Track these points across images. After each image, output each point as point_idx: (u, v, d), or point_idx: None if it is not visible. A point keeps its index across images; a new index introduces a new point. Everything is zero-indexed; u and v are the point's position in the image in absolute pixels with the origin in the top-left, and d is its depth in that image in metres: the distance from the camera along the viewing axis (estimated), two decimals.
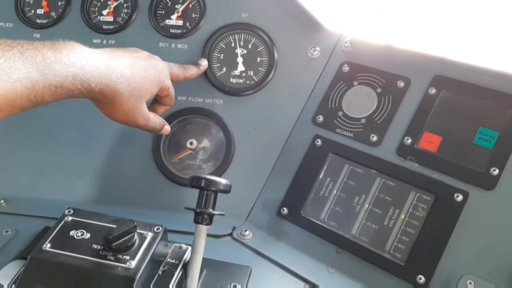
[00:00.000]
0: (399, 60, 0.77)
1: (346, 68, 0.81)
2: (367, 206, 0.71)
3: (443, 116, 0.71)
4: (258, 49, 0.87)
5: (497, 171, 0.65)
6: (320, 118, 0.80)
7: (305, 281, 0.68)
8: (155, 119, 0.73)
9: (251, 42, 0.87)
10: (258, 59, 0.87)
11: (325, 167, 0.76)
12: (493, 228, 0.63)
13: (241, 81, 0.87)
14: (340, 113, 0.79)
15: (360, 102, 0.78)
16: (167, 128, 0.77)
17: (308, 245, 0.73)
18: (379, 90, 0.77)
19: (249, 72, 0.86)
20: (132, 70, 0.64)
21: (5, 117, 0.50)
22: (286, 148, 0.81)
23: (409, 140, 0.72)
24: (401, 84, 0.75)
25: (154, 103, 0.78)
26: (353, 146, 0.76)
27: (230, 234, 0.76)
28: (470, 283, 0.60)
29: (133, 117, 0.67)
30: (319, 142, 0.78)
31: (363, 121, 0.76)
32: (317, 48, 0.84)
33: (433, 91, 0.73)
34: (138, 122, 0.68)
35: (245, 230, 0.76)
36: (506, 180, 0.64)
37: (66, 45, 0.55)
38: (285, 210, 0.76)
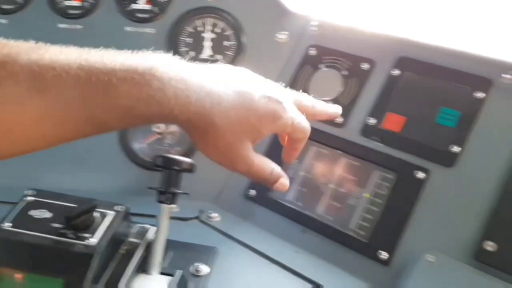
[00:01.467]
0: (364, 42, 0.78)
1: (313, 52, 0.82)
2: (332, 186, 0.72)
3: (406, 97, 0.72)
4: (226, 33, 0.87)
5: (457, 148, 0.66)
6: None
7: (271, 260, 0.68)
8: (263, 166, 0.54)
9: (219, 26, 0.87)
10: (226, 43, 0.87)
11: None
12: (453, 204, 0.64)
13: None
14: None
15: (326, 85, 0.79)
16: (282, 183, 0.56)
17: (275, 226, 0.74)
18: (344, 72, 0.78)
19: (216, 56, 0.86)
20: (236, 98, 0.48)
21: (53, 145, 0.42)
22: None
23: (373, 121, 0.72)
24: (365, 66, 0.76)
25: (285, 150, 0.61)
26: (319, 127, 0.76)
27: (197, 217, 0.76)
28: (431, 258, 0.61)
29: (231, 159, 0.51)
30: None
31: (330, 103, 0.77)
32: (285, 32, 0.84)
33: (396, 72, 0.74)
34: (236, 166, 0.52)
35: (213, 213, 0.76)
36: (466, 157, 0.66)
37: (144, 56, 0.44)
38: (252, 192, 0.77)
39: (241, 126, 0.49)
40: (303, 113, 0.56)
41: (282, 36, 0.84)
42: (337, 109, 0.63)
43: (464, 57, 0.70)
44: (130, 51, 0.45)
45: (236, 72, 0.52)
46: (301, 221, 0.72)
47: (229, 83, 0.49)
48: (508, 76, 0.66)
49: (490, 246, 0.59)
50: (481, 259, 0.60)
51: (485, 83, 0.67)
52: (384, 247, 0.65)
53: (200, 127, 0.47)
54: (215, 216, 0.76)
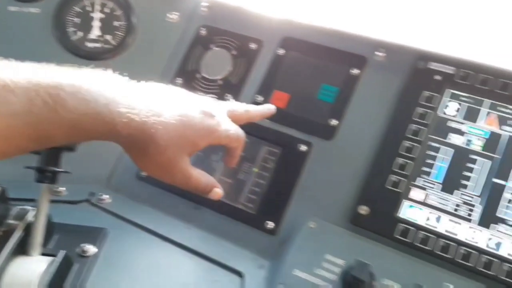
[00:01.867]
0: (252, 23, 0.81)
1: (203, 32, 0.82)
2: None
3: (290, 75, 0.75)
4: (115, 13, 0.85)
5: (335, 122, 0.70)
6: (179, 81, 0.81)
7: (164, 238, 0.69)
8: (200, 179, 0.57)
9: (108, 6, 0.85)
10: (116, 23, 0.85)
11: None
12: (332, 174, 0.68)
13: (98, 45, 0.85)
14: (198, 75, 0.80)
15: (217, 64, 0.80)
16: (216, 192, 0.60)
17: (168, 205, 0.74)
18: (234, 52, 0.80)
19: (106, 36, 0.85)
20: (174, 113, 0.51)
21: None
22: None
23: (261, 98, 0.75)
24: (253, 46, 0.79)
25: (224, 157, 0.66)
26: None
27: (88, 200, 0.75)
28: (313, 224, 0.65)
29: (170, 173, 0.54)
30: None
31: (220, 82, 0.79)
32: (176, 13, 0.85)
33: (281, 51, 0.77)
34: (175, 179, 0.55)
35: (104, 195, 0.75)
36: (343, 129, 0.70)
37: (89, 72, 0.46)
38: (144, 172, 0.76)
39: (180, 142, 0.52)
40: (238, 121, 0.61)
41: (173, 16, 0.84)
42: (269, 107, 0.69)
43: (342, 36, 0.75)
44: (77, 66, 0.47)
45: (171, 91, 0.56)
46: (193, 198, 0.73)
47: (167, 101, 0.52)
48: (380, 53, 0.71)
49: (363, 210, 0.64)
50: (356, 223, 0.64)
51: (360, 61, 0.72)
52: (271, 217, 0.68)
53: (141, 144, 0.49)
54: (106, 198, 0.74)
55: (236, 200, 0.71)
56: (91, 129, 0.45)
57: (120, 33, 0.84)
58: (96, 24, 0.85)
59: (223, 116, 0.58)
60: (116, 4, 0.85)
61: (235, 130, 0.60)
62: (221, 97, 0.77)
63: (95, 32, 0.84)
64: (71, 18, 0.85)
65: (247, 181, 0.72)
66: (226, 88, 0.78)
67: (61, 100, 0.42)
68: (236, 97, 0.77)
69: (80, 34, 0.85)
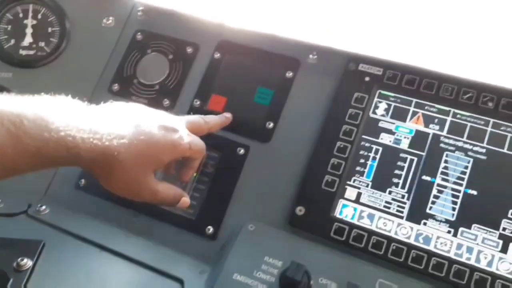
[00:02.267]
0: (188, 27, 0.80)
1: (139, 37, 0.82)
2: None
3: (227, 78, 0.76)
4: (49, 20, 0.83)
5: (272, 125, 0.71)
6: (116, 87, 0.79)
7: (103, 248, 0.68)
8: (166, 192, 0.60)
9: (41, 13, 0.83)
10: (49, 30, 0.83)
11: None
12: (270, 176, 0.69)
13: (31, 52, 0.82)
14: (135, 81, 0.79)
15: (153, 69, 0.79)
16: (185, 201, 0.63)
17: (107, 213, 0.73)
18: (170, 56, 0.79)
19: (39, 43, 0.82)
20: (136, 132, 0.52)
21: None
22: None
23: (198, 103, 0.75)
24: (190, 50, 0.78)
25: (180, 169, 0.66)
26: None
27: (25, 212, 0.73)
28: (251, 227, 0.66)
29: (136, 191, 0.55)
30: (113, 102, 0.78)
31: (157, 87, 0.78)
32: (111, 18, 0.83)
33: (218, 55, 0.77)
34: (142, 196, 0.57)
35: (42, 206, 0.73)
36: (280, 132, 0.71)
37: (50, 99, 0.47)
38: (83, 182, 0.75)
39: (144, 160, 0.53)
40: (199, 133, 0.63)
41: (109, 21, 0.83)
42: (226, 116, 0.71)
43: (276, 40, 0.76)
44: (38, 94, 0.48)
45: (130, 109, 0.56)
46: (132, 206, 0.72)
47: (128, 121, 0.53)
48: (312, 56, 0.73)
49: (300, 210, 0.65)
50: (294, 224, 0.65)
51: (294, 63, 0.74)
52: (211, 222, 0.68)
53: (105, 167, 0.50)
54: (44, 209, 0.73)
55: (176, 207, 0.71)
56: (55, 156, 0.46)
57: (54, 40, 0.83)
58: (29, 31, 0.83)
59: (184, 129, 0.60)
60: (49, 10, 0.83)
61: (198, 142, 0.62)
62: (158, 102, 0.77)
63: (28, 39, 0.82)
64: (3, 26, 0.82)
65: (187, 187, 0.72)
66: (163, 93, 0.77)
67: (24, 128, 0.43)
68: (174, 102, 0.76)
69: (12, 41, 0.82)
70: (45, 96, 0.49)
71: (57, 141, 0.45)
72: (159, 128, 0.56)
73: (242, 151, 0.71)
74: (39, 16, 0.83)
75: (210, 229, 0.68)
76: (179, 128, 0.59)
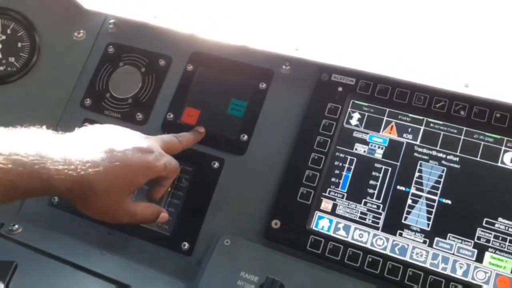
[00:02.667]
0: (160, 39, 0.79)
1: (111, 50, 0.80)
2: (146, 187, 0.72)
3: (201, 91, 0.75)
4: (19, 34, 0.82)
5: (246, 137, 0.70)
6: (88, 101, 0.78)
7: (77, 267, 0.66)
8: (145, 211, 0.60)
9: (10, 28, 0.82)
10: (19, 45, 0.81)
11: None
12: (245, 189, 0.69)
13: (1, 68, 0.81)
14: (107, 95, 0.78)
15: (126, 83, 0.78)
16: (163, 216, 0.63)
17: (82, 231, 0.72)
18: (143, 69, 0.78)
19: (9, 58, 0.81)
20: (110, 158, 0.52)
21: None
22: None
23: (172, 116, 0.74)
24: (162, 62, 0.78)
25: (152, 186, 0.65)
26: (122, 126, 0.76)
27: None
28: (227, 242, 0.65)
29: (114, 215, 0.56)
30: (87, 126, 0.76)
31: (130, 101, 0.77)
32: (82, 31, 0.82)
33: (190, 67, 0.76)
34: (120, 219, 0.57)
35: (14, 225, 0.71)
36: (254, 144, 0.71)
37: (22, 131, 0.47)
38: (56, 199, 0.74)
39: (120, 184, 0.53)
40: (173, 152, 0.63)
41: (80, 34, 0.82)
42: (199, 131, 0.70)
43: (249, 51, 0.75)
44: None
45: (104, 132, 0.56)
46: (106, 223, 0.71)
47: (102, 146, 0.53)
48: (285, 67, 0.72)
49: (276, 224, 0.65)
50: (269, 237, 0.65)
51: (267, 75, 0.73)
52: (186, 237, 0.68)
53: (81, 195, 0.50)
54: (17, 228, 0.71)
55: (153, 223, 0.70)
56: (29, 188, 0.47)
57: (24, 55, 0.81)
58: None
59: (159, 149, 0.60)
60: (19, 24, 0.81)
61: (172, 161, 0.62)
62: (131, 116, 0.76)
63: None
64: None
65: (161, 202, 0.70)
66: (136, 107, 0.76)
67: None
68: (147, 116, 0.75)
69: None
70: (19, 129, 0.50)
71: (30, 174, 0.46)
72: (134, 151, 0.56)
73: (216, 165, 0.70)
74: (8, 31, 0.82)
75: (186, 244, 0.67)
76: (154, 149, 0.59)
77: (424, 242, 0.61)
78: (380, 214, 0.63)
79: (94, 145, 0.54)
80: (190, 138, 0.69)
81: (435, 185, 0.63)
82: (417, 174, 0.64)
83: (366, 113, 0.68)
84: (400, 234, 0.62)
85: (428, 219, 0.62)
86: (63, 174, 0.48)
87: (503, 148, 0.62)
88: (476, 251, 0.59)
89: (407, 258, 0.61)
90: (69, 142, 0.53)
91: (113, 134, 0.58)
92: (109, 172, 0.52)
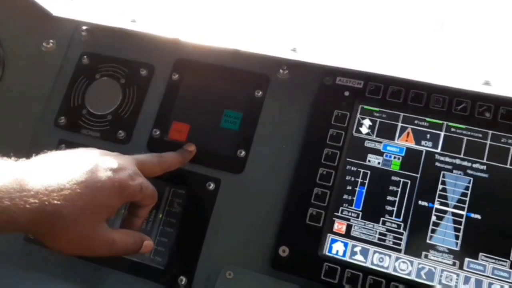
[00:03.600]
0: (140, 46, 0.71)
1: (85, 60, 0.72)
2: (123, 212, 0.64)
3: (189, 102, 0.67)
4: None
5: (243, 153, 0.63)
6: (63, 120, 0.69)
7: None
8: (125, 239, 0.51)
9: None
10: None
11: None
12: (246, 212, 0.61)
13: None
14: (84, 111, 0.69)
15: (104, 97, 0.70)
16: (147, 245, 0.54)
17: (63, 268, 0.63)
18: (122, 81, 0.70)
19: None
20: (77, 179, 0.45)
21: None
22: None
23: (158, 132, 0.66)
24: (144, 72, 0.69)
25: (127, 218, 0.56)
26: (102, 147, 0.66)
27: None
28: (230, 274, 0.58)
29: (89, 246, 0.48)
30: (63, 148, 0.68)
31: (109, 117, 0.68)
32: (51, 41, 0.73)
33: (176, 76, 0.68)
34: (97, 251, 0.49)
35: None
36: (253, 160, 0.63)
37: None
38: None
39: (92, 210, 0.46)
40: (151, 174, 0.55)
41: (49, 44, 0.73)
42: (188, 149, 0.62)
43: (241, 55, 0.67)
44: None
45: (68, 155, 0.49)
46: (92, 258, 0.63)
47: (67, 168, 0.46)
48: (283, 71, 0.64)
49: (283, 251, 0.57)
50: (277, 266, 0.57)
51: (263, 81, 0.65)
52: (183, 271, 0.60)
53: (47, 225, 0.43)
54: None
55: (142, 255, 0.61)
56: None
57: None
58: None
59: (133, 168, 0.52)
60: None
61: (149, 185, 0.54)
62: (112, 134, 0.67)
63: None
64: None
65: (152, 231, 0.62)
66: (117, 124, 0.68)
67: None
68: (130, 134, 0.67)
69: None
70: None
71: None
72: (104, 169, 0.48)
73: (212, 186, 0.62)
74: None
75: (183, 279, 0.59)
76: (127, 167, 0.51)
77: (454, 264, 0.54)
78: (402, 234, 0.56)
79: (57, 166, 0.46)
80: (174, 159, 0.60)
81: (462, 198, 0.56)
82: (440, 186, 0.56)
83: (378, 119, 0.60)
84: (426, 256, 0.55)
85: (456, 237, 0.55)
86: (22, 203, 0.41)
87: None
88: None
89: (435, 283, 0.53)
90: (25, 166, 0.45)
91: (78, 153, 0.50)
92: (77, 196, 0.44)
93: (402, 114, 0.60)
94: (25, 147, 0.69)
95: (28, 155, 0.67)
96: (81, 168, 0.47)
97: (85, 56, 0.72)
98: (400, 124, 0.59)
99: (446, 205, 0.56)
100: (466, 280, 0.53)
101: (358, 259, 0.56)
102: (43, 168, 0.46)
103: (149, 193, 0.54)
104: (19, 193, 0.41)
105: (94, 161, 0.48)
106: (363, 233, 0.57)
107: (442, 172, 0.57)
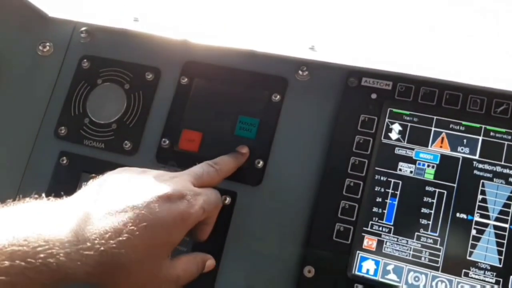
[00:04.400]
0: (145, 48, 0.65)
1: (86, 64, 0.66)
2: None
3: (200, 109, 0.62)
4: None
5: (261, 163, 0.57)
6: (63, 130, 0.64)
7: None
8: (189, 270, 0.48)
9: None
10: None
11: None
12: (265, 229, 0.56)
13: None
14: (86, 121, 0.64)
15: (107, 104, 0.65)
16: (209, 266, 0.51)
17: None
18: (127, 86, 0.64)
19: None
20: (134, 219, 0.40)
21: None
22: (28, 174, 0.64)
23: (167, 142, 0.61)
24: (150, 76, 0.64)
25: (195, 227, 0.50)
26: (107, 158, 0.62)
27: None
28: None
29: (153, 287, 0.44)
30: (64, 161, 0.63)
31: (114, 126, 0.63)
32: (48, 44, 0.68)
33: (185, 80, 0.62)
34: None
35: None
36: (272, 171, 0.58)
37: (9, 208, 0.37)
38: None
39: (154, 251, 0.42)
40: (210, 185, 0.51)
41: (46, 48, 0.67)
42: (242, 151, 0.57)
43: (256, 56, 0.61)
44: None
45: (112, 186, 0.44)
46: None
47: (116, 205, 0.41)
48: (302, 73, 0.59)
49: (308, 271, 0.52)
50: None
51: (280, 84, 0.60)
52: None
53: (106, 276, 0.39)
54: None
55: None
56: (39, 281, 0.35)
57: None
58: None
59: (190, 189, 0.46)
60: None
61: (211, 197, 0.49)
62: (117, 145, 0.62)
63: None
64: None
65: None
66: (123, 134, 0.62)
67: None
68: (137, 144, 0.62)
69: None
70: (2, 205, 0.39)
71: (35, 268, 0.34)
72: (161, 202, 0.43)
73: (227, 200, 0.57)
74: None
75: None
76: (184, 192, 0.45)
77: (497, 282, 0.49)
78: (439, 250, 0.51)
79: (107, 206, 0.41)
80: (230, 165, 0.55)
81: (504, 209, 0.51)
82: (480, 197, 0.51)
83: (409, 124, 0.55)
84: (466, 274, 0.50)
85: (499, 253, 0.50)
86: (78, 258, 0.37)
87: None
88: None
89: None
90: (74, 210, 0.41)
91: (126, 184, 0.44)
92: (136, 239, 0.40)
93: (435, 117, 0.54)
94: (24, 161, 0.64)
95: (28, 169, 0.63)
96: (135, 203, 0.42)
97: (85, 60, 0.66)
98: (433, 129, 0.54)
99: (487, 217, 0.51)
100: None
101: (391, 278, 0.51)
102: (93, 208, 0.41)
103: (213, 207, 0.50)
104: (74, 245, 0.37)
105: (148, 192, 0.43)
106: (396, 250, 0.52)
107: (481, 181, 0.52)
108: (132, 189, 0.44)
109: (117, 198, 0.42)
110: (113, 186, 0.44)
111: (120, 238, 0.39)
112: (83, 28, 0.67)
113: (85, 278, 0.38)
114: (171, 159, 0.60)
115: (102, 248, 0.38)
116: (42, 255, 0.35)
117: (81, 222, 0.39)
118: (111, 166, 0.60)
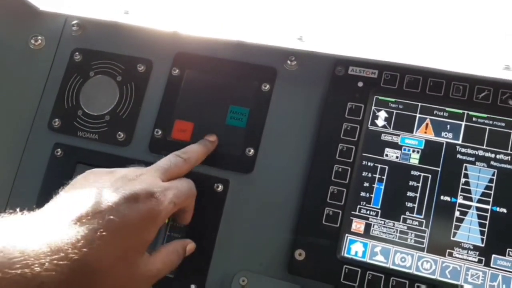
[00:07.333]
0: (136, 40, 0.66)
1: (78, 57, 0.67)
2: None
3: (191, 99, 0.63)
4: None
5: (252, 151, 0.59)
6: (57, 122, 0.65)
7: None
8: (169, 260, 0.49)
9: None
10: None
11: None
12: (258, 214, 0.58)
13: None
14: (79, 112, 0.65)
15: (100, 96, 0.66)
16: (190, 249, 0.54)
17: None
18: (119, 78, 0.66)
19: None
20: (103, 225, 0.40)
21: None
22: (23, 166, 0.65)
23: (160, 132, 0.62)
24: (142, 68, 0.65)
25: (176, 215, 0.53)
26: (101, 149, 0.64)
27: None
28: (243, 281, 0.55)
29: (133, 286, 0.44)
30: (59, 153, 0.64)
31: (107, 117, 0.64)
32: (40, 37, 0.68)
33: (176, 71, 0.64)
34: (143, 286, 0.46)
35: None
36: (263, 159, 0.59)
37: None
38: None
39: (126, 253, 0.42)
40: (179, 175, 0.52)
41: (37, 42, 0.68)
42: (210, 140, 0.58)
43: (245, 47, 0.63)
44: None
45: (85, 191, 0.44)
46: None
47: (89, 212, 0.41)
48: (291, 62, 0.60)
49: (299, 254, 0.54)
50: (294, 271, 0.54)
51: (270, 73, 0.61)
52: (194, 279, 0.57)
53: (83, 284, 0.39)
54: None
55: None
56: None
57: None
58: None
59: (157, 185, 0.47)
60: None
61: (180, 191, 0.50)
62: (111, 136, 0.63)
63: None
64: None
65: (158, 238, 0.59)
66: (116, 125, 0.64)
67: None
68: (130, 135, 0.63)
69: None
70: None
71: (11, 279, 0.34)
72: (129, 203, 0.43)
73: (220, 187, 0.59)
74: None
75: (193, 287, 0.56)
76: (151, 188, 0.46)
77: (480, 261, 0.51)
78: (424, 231, 0.53)
79: (77, 214, 0.41)
80: (199, 153, 0.56)
81: (486, 191, 0.53)
82: (463, 180, 0.53)
83: (395, 111, 0.57)
84: (450, 254, 0.52)
85: (482, 233, 0.52)
86: (53, 268, 0.37)
87: None
88: None
89: (461, 282, 0.51)
90: (46, 220, 0.41)
91: (93, 189, 0.44)
92: (108, 244, 0.40)
93: (420, 104, 0.56)
94: (19, 154, 0.65)
95: (23, 162, 0.65)
96: (101, 207, 0.42)
97: (77, 53, 0.67)
98: (418, 115, 0.56)
99: (470, 199, 0.53)
100: (494, 278, 0.51)
101: (379, 259, 0.53)
102: (65, 218, 0.41)
103: (185, 198, 0.51)
104: (49, 256, 0.37)
105: (115, 195, 0.43)
106: (383, 232, 0.54)
107: (464, 164, 0.54)
108: (100, 193, 0.43)
109: (85, 204, 0.42)
110: (80, 193, 0.44)
111: (92, 246, 0.39)
112: (75, 21, 0.68)
113: (60, 286, 0.38)
114: (164, 149, 0.61)
115: (75, 257, 0.38)
116: (18, 265, 0.35)
117: (53, 232, 0.39)
118: (105, 156, 0.62)
